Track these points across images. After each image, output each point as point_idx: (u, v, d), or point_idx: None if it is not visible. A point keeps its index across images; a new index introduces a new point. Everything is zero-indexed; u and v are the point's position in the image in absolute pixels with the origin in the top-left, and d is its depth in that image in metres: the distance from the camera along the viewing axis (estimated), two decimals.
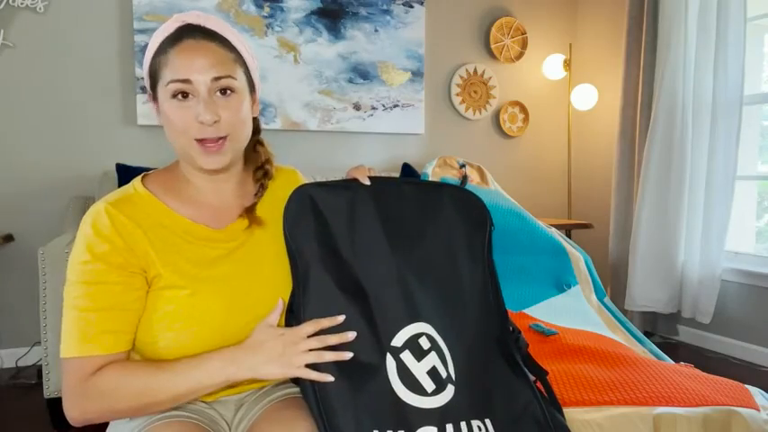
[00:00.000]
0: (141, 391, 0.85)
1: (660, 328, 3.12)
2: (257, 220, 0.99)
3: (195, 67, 0.88)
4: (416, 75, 3.36)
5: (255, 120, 1.03)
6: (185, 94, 0.89)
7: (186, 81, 0.88)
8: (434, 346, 0.91)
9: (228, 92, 0.92)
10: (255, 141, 1.05)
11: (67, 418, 0.86)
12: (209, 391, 0.88)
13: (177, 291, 0.90)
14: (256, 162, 1.05)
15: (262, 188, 1.03)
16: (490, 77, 3.57)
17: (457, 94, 3.51)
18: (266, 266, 0.98)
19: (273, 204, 1.03)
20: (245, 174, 1.04)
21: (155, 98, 0.94)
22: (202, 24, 0.92)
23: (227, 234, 0.97)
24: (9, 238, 2.59)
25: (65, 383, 0.86)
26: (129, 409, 0.85)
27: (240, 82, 0.93)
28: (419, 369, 0.89)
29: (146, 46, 2.78)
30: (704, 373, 1.58)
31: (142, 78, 2.79)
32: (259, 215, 1.00)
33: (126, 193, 0.95)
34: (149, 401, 0.85)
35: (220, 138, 0.91)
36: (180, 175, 0.99)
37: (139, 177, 0.98)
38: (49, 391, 1.99)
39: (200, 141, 0.91)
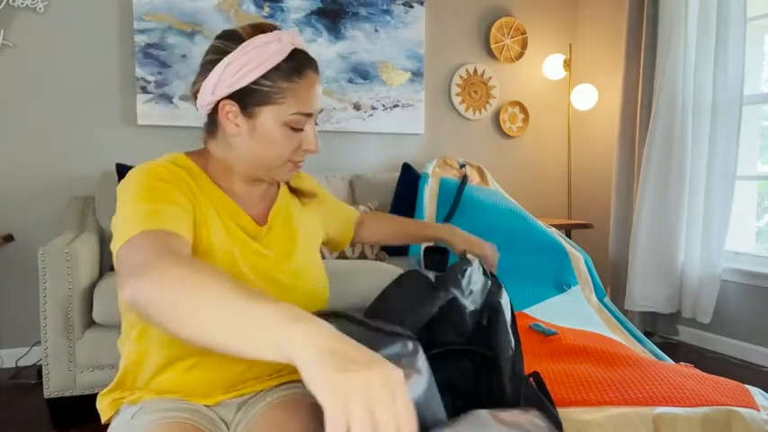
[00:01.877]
0: (182, 301, 0.63)
1: (660, 328, 3.12)
2: (300, 192, 1.11)
3: (319, 101, 0.95)
4: (416, 75, 3.36)
5: None
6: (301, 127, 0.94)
7: (310, 115, 0.93)
8: None
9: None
10: None
11: (119, 292, 0.80)
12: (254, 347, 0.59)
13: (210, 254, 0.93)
14: None
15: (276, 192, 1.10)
16: (490, 77, 3.57)
17: (457, 94, 3.51)
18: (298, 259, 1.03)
19: (288, 210, 1.09)
20: None
21: (245, 112, 0.92)
22: (310, 53, 0.96)
23: (265, 231, 1.01)
24: (9, 238, 2.59)
25: (132, 258, 0.73)
26: (188, 324, 0.63)
27: None
28: None
29: (146, 46, 2.79)
30: (704, 373, 1.58)
31: (142, 78, 2.80)
32: (272, 219, 1.05)
33: (174, 161, 0.95)
34: (181, 316, 0.63)
35: None
36: (221, 167, 0.99)
37: (181, 153, 0.98)
38: (49, 391, 1.99)
39: (295, 162, 0.97)
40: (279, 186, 1.09)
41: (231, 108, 0.92)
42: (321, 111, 0.97)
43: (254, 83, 0.90)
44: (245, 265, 0.95)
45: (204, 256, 0.91)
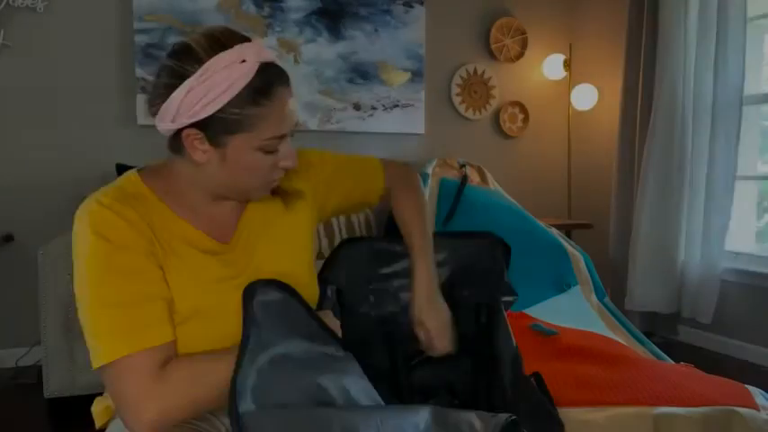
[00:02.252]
0: (217, 374, 0.81)
1: (660, 328, 3.12)
2: (288, 195, 0.98)
3: (291, 119, 0.87)
4: (416, 75, 3.36)
5: None
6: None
7: (284, 136, 0.87)
8: None
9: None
10: None
11: (137, 428, 0.78)
12: None
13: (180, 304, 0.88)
14: None
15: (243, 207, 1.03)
16: (490, 77, 3.57)
17: (457, 94, 3.50)
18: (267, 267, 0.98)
19: (267, 212, 1.01)
20: None
21: (213, 141, 0.84)
22: (276, 62, 0.87)
23: (231, 248, 0.95)
24: (9, 238, 2.59)
25: (125, 389, 0.79)
26: (210, 397, 0.82)
27: None
28: None
29: (146, 46, 2.79)
30: (704, 373, 1.58)
31: (142, 78, 2.80)
32: (244, 234, 0.97)
33: (129, 191, 0.88)
34: (226, 385, 0.80)
35: None
36: (179, 183, 0.93)
37: (134, 172, 0.92)
38: (49, 391, 1.99)
39: (272, 180, 0.92)
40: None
41: (196, 136, 0.84)
42: (297, 124, 0.90)
43: (220, 111, 0.81)
44: (216, 289, 0.91)
45: (177, 295, 0.88)
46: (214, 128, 0.83)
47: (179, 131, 0.85)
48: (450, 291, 1.05)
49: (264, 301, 0.85)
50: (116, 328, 0.80)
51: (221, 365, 0.82)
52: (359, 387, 0.85)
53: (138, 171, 0.93)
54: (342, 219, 2.77)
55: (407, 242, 1.09)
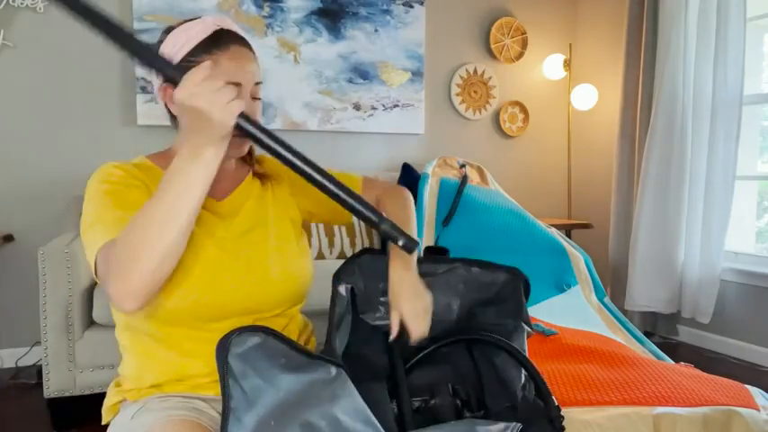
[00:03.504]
0: (141, 223, 0.81)
1: (660, 328, 3.12)
2: (263, 176, 1.11)
3: (246, 72, 0.97)
4: (416, 75, 3.36)
5: None
6: None
7: (237, 84, 0.95)
8: None
9: (257, 98, 1.01)
10: None
11: (125, 308, 0.81)
12: (199, 188, 0.82)
13: None
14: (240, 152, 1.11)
15: (250, 157, 1.13)
16: (490, 77, 3.57)
17: (457, 94, 3.51)
18: (261, 233, 1.04)
19: (260, 199, 1.09)
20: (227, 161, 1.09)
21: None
22: (238, 32, 1.00)
23: (227, 204, 1.04)
24: (9, 238, 2.59)
25: (105, 274, 0.83)
26: (147, 249, 0.80)
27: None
28: None
29: None
30: (704, 373, 1.58)
31: (142, 78, 2.80)
32: (240, 199, 1.06)
33: (133, 161, 1.03)
34: (154, 228, 0.80)
35: None
36: (176, 151, 1.02)
37: (140, 156, 1.06)
38: (49, 391, 1.99)
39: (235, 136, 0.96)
40: (250, 171, 1.12)
41: (168, 91, 0.98)
42: (258, 84, 0.99)
43: (180, 62, 0.95)
44: (207, 236, 0.97)
45: None
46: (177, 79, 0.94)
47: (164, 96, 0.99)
48: (467, 315, 1.05)
49: (241, 352, 0.84)
50: (107, 226, 0.88)
51: (144, 211, 0.82)
52: (352, 411, 0.84)
53: (147, 156, 1.06)
54: None
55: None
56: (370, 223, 0.85)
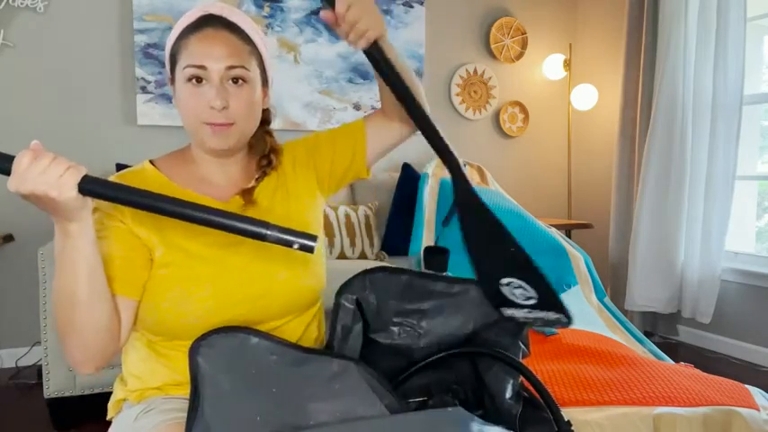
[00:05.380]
0: (56, 304, 0.86)
1: (660, 328, 3.12)
2: (251, 201, 1.01)
3: (212, 54, 0.93)
4: (416, 74, 3.36)
5: (266, 111, 1.09)
6: (199, 80, 0.93)
7: (201, 67, 0.93)
8: None
9: (240, 81, 0.95)
10: (264, 131, 1.09)
11: (84, 373, 0.85)
12: (83, 261, 0.82)
13: (174, 257, 0.92)
14: (263, 150, 1.08)
15: (263, 174, 1.05)
16: (490, 77, 3.57)
17: (457, 94, 3.51)
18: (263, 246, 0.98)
19: (277, 187, 1.05)
20: (249, 159, 1.07)
21: (173, 81, 0.99)
22: (225, 16, 0.97)
23: (230, 207, 0.96)
24: (9, 238, 2.59)
25: None
26: (62, 317, 0.85)
27: (253, 73, 0.97)
28: None
29: (146, 46, 2.80)
30: (704, 373, 1.58)
31: (142, 78, 2.80)
32: (258, 199, 1.02)
33: (133, 169, 1.01)
34: (66, 308, 0.84)
35: (228, 123, 0.95)
36: (189, 156, 1.03)
37: (148, 160, 1.03)
38: (49, 391, 1.99)
39: (210, 124, 0.94)
40: (268, 165, 1.06)
41: (168, 81, 1.00)
42: (232, 68, 0.93)
43: (171, 50, 0.97)
44: (206, 247, 0.94)
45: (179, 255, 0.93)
46: (169, 66, 0.99)
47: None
48: (472, 334, 1.03)
49: (212, 353, 0.84)
50: None
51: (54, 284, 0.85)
52: (354, 402, 0.84)
53: (156, 158, 1.04)
54: (341, 218, 2.77)
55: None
56: (258, 237, 0.80)
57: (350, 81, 3.22)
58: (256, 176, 1.04)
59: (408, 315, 1.02)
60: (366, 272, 1.02)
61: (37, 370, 2.55)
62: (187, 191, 0.98)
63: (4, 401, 2.29)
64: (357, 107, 3.24)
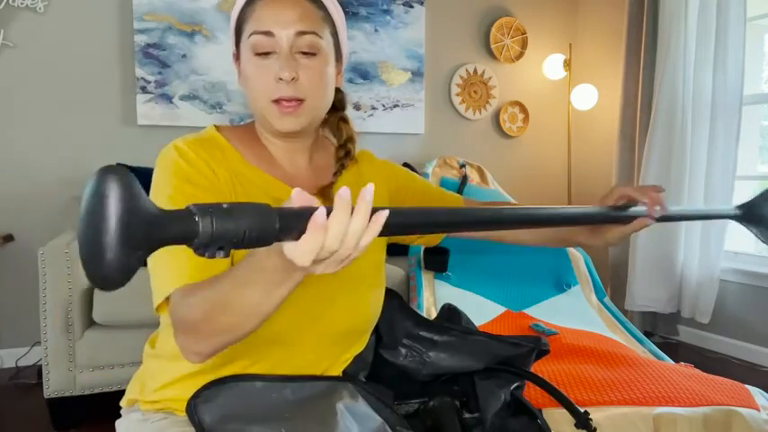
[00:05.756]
0: (222, 307, 0.68)
1: (660, 328, 3.12)
2: (331, 198, 0.87)
3: (280, 19, 0.83)
4: (416, 75, 3.36)
5: (340, 92, 0.97)
6: (266, 53, 0.84)
7: (268, 33, 0.83)
8: None
9: (311, 54, 0.85)
10: (339, 118, 0.98)
11: (190, 360, 0.73)
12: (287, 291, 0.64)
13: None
14: (339, 139, 0.97)
15: (342, 167, 0.95)
16: (490, 77, 3.57)
17: (457, 94, 3.51)
18: None
19: (357, 189, 0.96)
20: (321, 148, 0.97)
21: (238, 58, 0.89)
22: None
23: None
24: (9, 238, 2.59)
25: (175, 322, 0.74)
26: (231, 324, 0.68)
27: (326, 43, 0.87)
28: None
29: (146, 46, 2.80)
30: (704, 373, 1.58)
31: (142, 78, 2.80)
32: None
33: (197, 135, 0.88)
34: (246, 315, 0.67)
35: (297, 99, 0.84)
36: (255, 135, 0.93)
37: (212, 125, 0.92)
38: (49, 391, 1.99)
39: (277, 102, 0.84)
40: (346, 157, 0.96)
41: (234, 60, 0.91)
42: (303, 34, 0.83)
43: (236, 21, 0.88)
44: None
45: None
46: (234, 41, 0.90)
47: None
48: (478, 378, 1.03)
49: (212, 405, 0.80)
50: (169, 269, 0.76)
51: (216, 287, 0.69)
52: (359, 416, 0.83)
53: (215, 125, 0.93)
54: None
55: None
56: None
57: (350, 81, 3.22)
58: (335, 171, 0.94)
59: (419, 341, 1.01)
60: (388, 290, 0.99)
61: (37, 370, 2.55)
62: (258, 170, 0.88)
63: (4, 401, 2.29)
64: (357, 107, 3.24)
